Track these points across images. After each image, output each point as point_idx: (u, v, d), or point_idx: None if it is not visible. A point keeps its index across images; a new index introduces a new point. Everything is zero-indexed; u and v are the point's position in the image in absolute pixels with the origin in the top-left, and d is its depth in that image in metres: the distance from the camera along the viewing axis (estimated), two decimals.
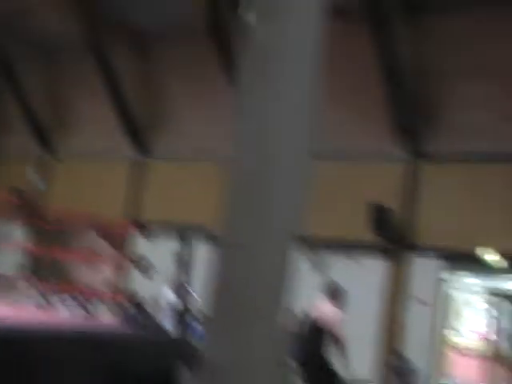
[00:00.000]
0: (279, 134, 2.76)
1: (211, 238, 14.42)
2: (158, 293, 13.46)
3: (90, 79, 17.19)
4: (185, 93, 16.22)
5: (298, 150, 2.81)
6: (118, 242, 16.81)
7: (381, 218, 13.46)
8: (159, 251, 13.81)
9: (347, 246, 14.05)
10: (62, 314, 12.40)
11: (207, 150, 15.48)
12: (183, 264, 9.68)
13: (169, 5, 14.95)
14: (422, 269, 13.36)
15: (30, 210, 17.42)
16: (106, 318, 13.68)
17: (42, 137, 19.04)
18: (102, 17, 15.94)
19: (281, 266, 2.65)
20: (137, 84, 17.01)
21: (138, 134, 17.00)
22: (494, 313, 13.42)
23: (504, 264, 12.71)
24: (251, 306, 2.57)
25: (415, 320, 13.21)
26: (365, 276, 13.73)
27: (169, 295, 12.05)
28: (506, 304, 13.36)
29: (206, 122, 15.71)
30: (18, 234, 17.53)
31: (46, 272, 16.81)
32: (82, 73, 17.86)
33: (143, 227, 12.70)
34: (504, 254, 12.66)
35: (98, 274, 16.90)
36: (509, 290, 13.24)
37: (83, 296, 15.23)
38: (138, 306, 12.18)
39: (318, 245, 14.15)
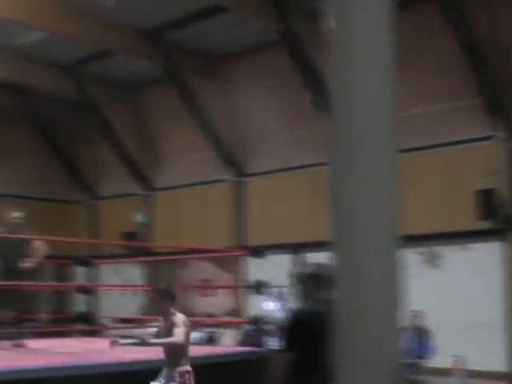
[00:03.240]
0: (367, 135, 3.02)
1: (320, 250, 15.41)
2: (276, 313, 14.43)
3: (175, 110, 18.54)
4: (266, 107, 17.35)
5: (386, 147, 3.05)
6: (229, 266, 17.95)
7: (489, 201, 14.04)
8: (271, 271, 14.78)
9: (458, 235, 14.66)
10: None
11: (296, 162, 16.56)
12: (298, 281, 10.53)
13: (236, 24, 16.02)
14: None
15: (141, 250, 18.71)
16: (229, 344, 14.81)
17: (139, 173, 20.43)
18: (176, 48, 17.16)
19: (391, 266, 2.95)
20: (220, 106, 18.17)
21: (230, 156, 18.15)
22: None
23: None
24: (368, 310, 2.90)
25: None
26: (481, 263, 14.31)
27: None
28: None
29: (291, 134, 16.77)
30: (134, 275, 18.87)
31: None
32: (165, 105, 19.29)
33: (252, 248, 13.72)
34: None
35: (215, 301, 18.11)
36: None
37: (205, 325, 16.38)
38: (259, 327, 13.14)
39: (427, 239, 14.87)
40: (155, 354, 7.15)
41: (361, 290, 2.96)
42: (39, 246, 9.83)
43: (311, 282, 5.16)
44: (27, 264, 9.44)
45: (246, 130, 18.09)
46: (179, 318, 6.76)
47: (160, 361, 6.90)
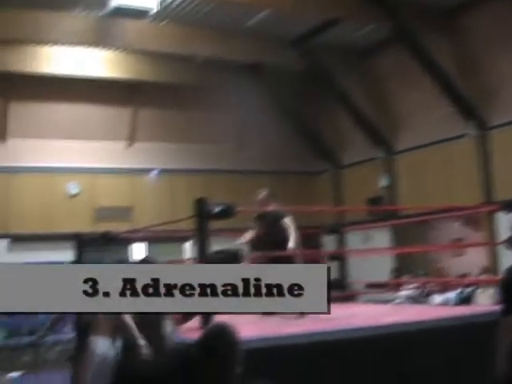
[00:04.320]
0: None
1: None
2: None
3: (408, 69, 18.30)
4: (505, 56, 16.62)
5: None
6: (479, 223, 17.51)
7: None
8: None
9: None
10: (440, 308, 13.56)
11: None
12: None
13: None
14: None
15: (387, 214, 18.77)
16: (486, 303, 14.51)
17: (379, 138, 20.41)
18: (403, 6, 16.86)
19: None
20: (455, 59, 17.65)
21: (470, 110, 17.58)
22: None
23: None
24: None
25: None
26: None
27: None
28: None
29: None
30: (381, 240, 18.98)
31: (415, 269, 18.13)
32: (397, 66, 19.11)
33: (503, 203, 13.33)
34: None
35: (468, 261, 17.78)
36: None
37: (461, 285, 16.17)
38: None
39: None
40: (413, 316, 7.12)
41: None
42: (290, 221, 10.36)
43: None
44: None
45: (485, 82, 17.43)
46: None
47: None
